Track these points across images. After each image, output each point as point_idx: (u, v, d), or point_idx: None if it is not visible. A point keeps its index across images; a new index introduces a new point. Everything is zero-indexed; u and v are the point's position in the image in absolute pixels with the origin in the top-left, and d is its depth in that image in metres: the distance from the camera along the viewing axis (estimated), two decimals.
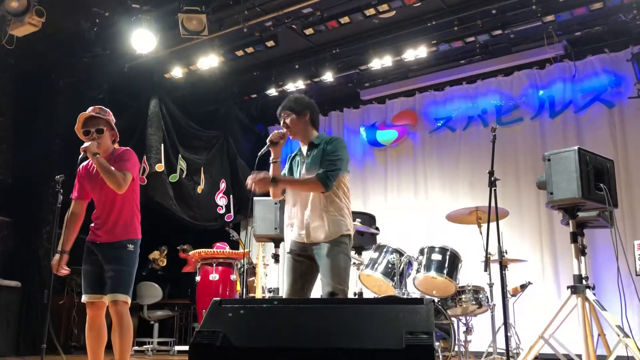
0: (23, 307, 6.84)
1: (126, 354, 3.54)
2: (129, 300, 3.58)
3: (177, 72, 7.49)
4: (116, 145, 3.84)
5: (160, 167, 7.62)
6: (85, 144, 3.57)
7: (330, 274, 3.26)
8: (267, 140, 3.48)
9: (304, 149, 3.57)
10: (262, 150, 3.48)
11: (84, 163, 3.79)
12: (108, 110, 3.82)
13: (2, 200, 7.22)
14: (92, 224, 3.73)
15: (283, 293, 3.50)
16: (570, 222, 3.86)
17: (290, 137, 3.55)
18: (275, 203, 4.97)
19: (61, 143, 7.80)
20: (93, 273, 3.64)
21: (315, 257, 3.38)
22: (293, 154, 3.68)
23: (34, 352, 6.44)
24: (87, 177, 3.76)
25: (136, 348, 7.23)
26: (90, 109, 3.74)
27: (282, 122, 3.54)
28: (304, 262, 3.44)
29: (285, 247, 3.49)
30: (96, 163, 3.53)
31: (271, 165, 3.47)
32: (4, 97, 7.41)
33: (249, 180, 3.31)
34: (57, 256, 3.72)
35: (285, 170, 3.64)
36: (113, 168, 3.56)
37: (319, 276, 3.40)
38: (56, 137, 7.71)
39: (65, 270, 3.74)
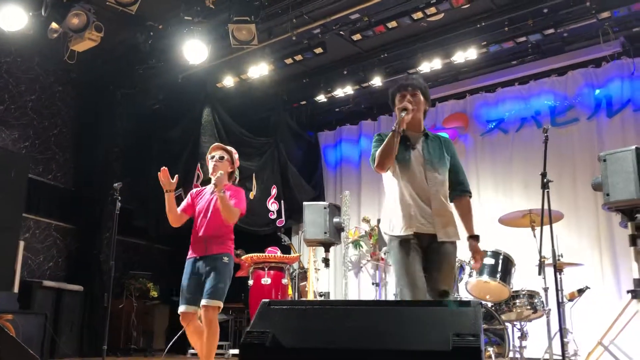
0: (86, 310, 7.14)
1: (212, 354, 3.94)
2: (221, 306, 3.97)
3: (228, 81, 7.67)
4: (232, 182, 4.40)
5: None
6: (217, 178, 4.07)
7: (448, 275, 3.14)
8: (398, 109, 3.18)
9: (413, 135, 3.30)
10: (397, 120, 3.09)
11: (199, 189, 4.41)
12: (234, 150, 4.39)
13: (66, 207, 7.57)
14: (194, 241, 4.21)
15: (407, 287, 3.06)
16: (629, 224, 3.74)
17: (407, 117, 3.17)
18: (325, 208, 5.00)
19: (119, 151, 8.13)
20: (192, 286, 4.06)
21: (432, 252, 3.14)
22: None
23: (96, 354, 6.70)
24: (199, 199, 4.32)
25: (192, 351, 7.40)
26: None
27: (404, 98, 3.22)
28: (419, 254, 3.16)
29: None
30: (222, 198, 4.02)
31: (395, 135, 3.07)
32: (67, 109, 7.78)
33: None
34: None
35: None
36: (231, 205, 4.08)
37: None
38: (115, 146, 8.04)
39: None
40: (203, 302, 3.91)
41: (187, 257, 4.26)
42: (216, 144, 4.43)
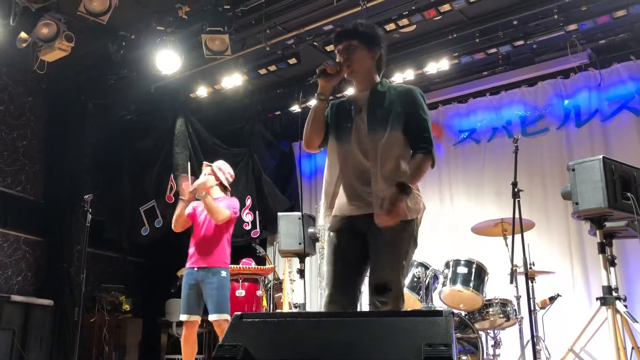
0: (55, 325, 6.98)
1: None
2: (229, 318, 4.18)
3: (202, 91, 7.63)
4: (227, 194, 4.89)
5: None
6: (196, 184, 4.61)
7: (391, 263, 2.49)
8: (318, 70, 2.66)
9: (361, 95, 2.74)
10: (312, 78, 2.69)
11: (195, 204, 4.75)
12: (223, 168, 4.95)
13: (35, 220, 7.41)
14: (192, 253, 4.55)
15: (325, 285, 2.67)
16: (598, 232, 3.80)
17: (345, 75, 2.69)
18: (299, 218, 5.00)
19: (90, 163, 8.00)
20: (192, 296, 4.44)
21: (371, 237, 2.57)
22: (338, 101, 2.83)
23: None
24: (196, 213, 4.71)
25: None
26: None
27: (340, 54, 2.70)
28: (353, 243, 2.60)
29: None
30: (206, 200, 4.48)
31: (315, 100, 2.67)
32: (37, 119, 7.64)
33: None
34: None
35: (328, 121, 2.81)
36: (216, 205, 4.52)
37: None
38: (85, 157, 7.91)
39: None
40: (214, 317, 4.34)
41: (186, 267, 4.57)
42: (204, 162, 4.97)
